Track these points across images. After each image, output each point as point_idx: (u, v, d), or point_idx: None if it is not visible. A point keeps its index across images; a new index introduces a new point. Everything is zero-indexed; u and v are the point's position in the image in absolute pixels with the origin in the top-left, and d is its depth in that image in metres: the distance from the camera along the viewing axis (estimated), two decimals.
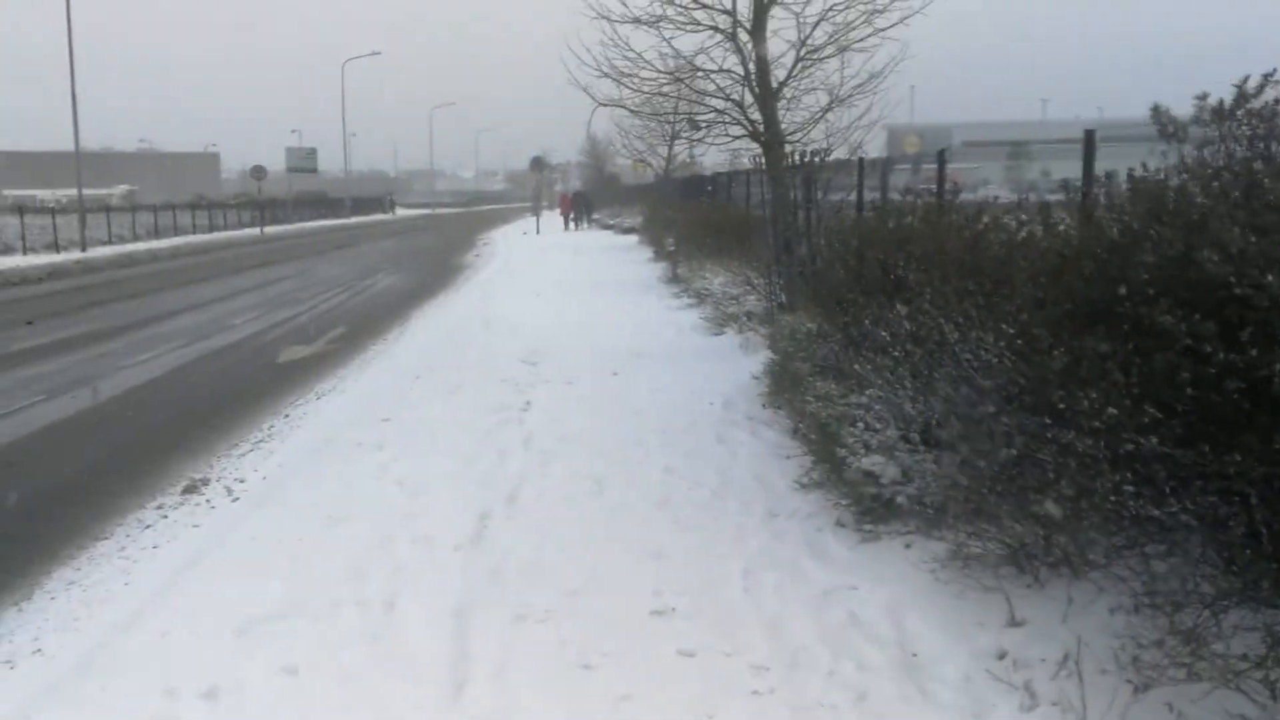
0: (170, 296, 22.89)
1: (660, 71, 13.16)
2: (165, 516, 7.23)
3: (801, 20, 12.03)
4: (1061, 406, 4.46)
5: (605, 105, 14.53)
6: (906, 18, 11.54)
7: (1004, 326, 5.19)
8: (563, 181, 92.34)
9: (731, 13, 12.22)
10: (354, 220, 74.23)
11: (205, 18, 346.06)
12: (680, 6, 12.23)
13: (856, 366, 7.05)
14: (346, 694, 4.50)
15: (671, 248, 23.52)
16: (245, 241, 47.66)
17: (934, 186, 9.18)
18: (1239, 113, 4.84)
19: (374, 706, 4.40)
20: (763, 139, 12.57)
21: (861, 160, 12.39)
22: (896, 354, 6.50)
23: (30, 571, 6.35)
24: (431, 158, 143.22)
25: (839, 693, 4.34)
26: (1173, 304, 4.02)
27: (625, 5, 12.38)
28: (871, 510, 6.04)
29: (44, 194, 64.36)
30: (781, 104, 12.52)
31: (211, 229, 52.34)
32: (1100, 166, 6.63)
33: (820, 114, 12.48)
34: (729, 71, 12.55)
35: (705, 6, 12.21)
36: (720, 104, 12.86)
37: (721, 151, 17.18)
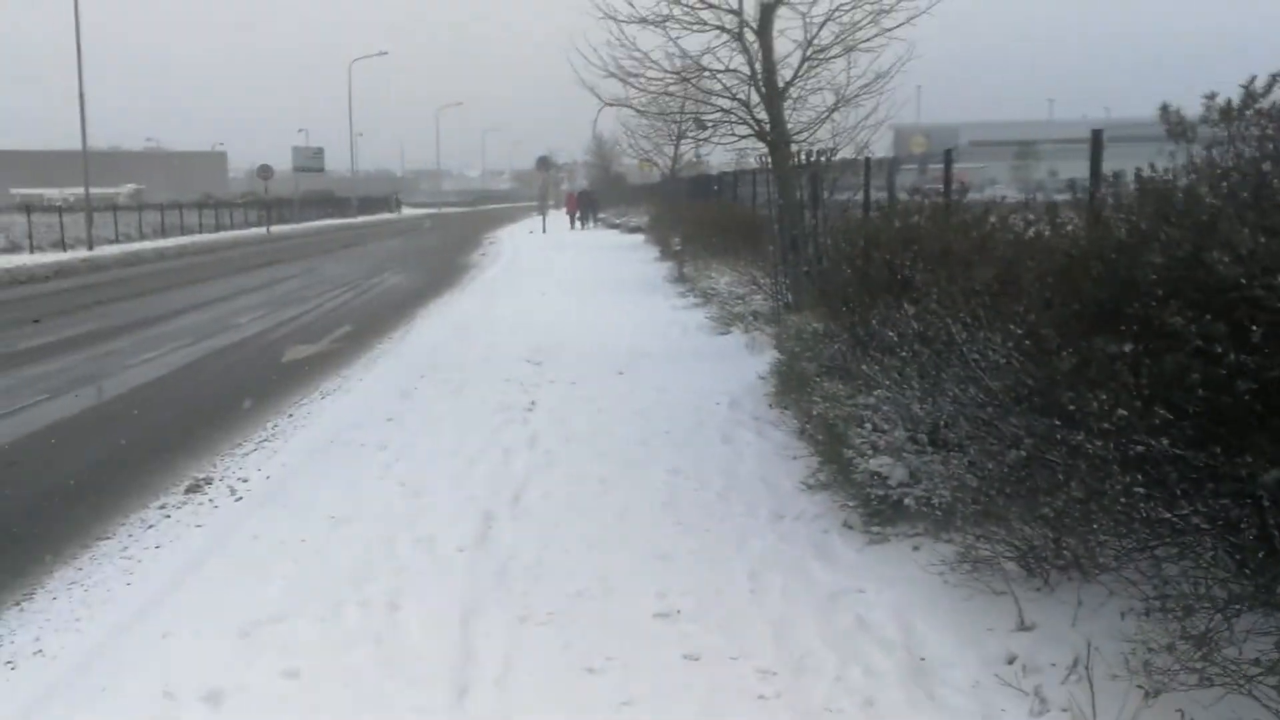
0: (176, 295, 22.90)
1: (666, 71, 13.14)
2: (168, 516, 7.20)
3: (808, 20, 12.00)
4: (1071, 408, 4.41)
5: (611, 105, 14.54)
6: (913, 18, 11.51)
7: (1012, 327, 5.14)
8: (569, 181, 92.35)
9: (738, 12, 12.18)
10: (360, 220, 74.28)
11: (212, 17, 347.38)
12: (686, 6, 12.19)
13: (864, 367, 7.01)
14: (349, 697, 4.47)
15: (677, 247, 23.50)
16: (251, 241, 47.71)
17: (941, 186, 9.14)
18: (1248, 112, 4.79)
19: (376, 709, 4.37)
20: (769, 139, 12.53)
21: (868, 160, 12.34)
22: (904, 354, 6.46)
23: (32, 571, 6.32)
24: (438, 157, 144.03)
25: (846, 698, 4.30)
26: (1183, 305, 3.98)
27: (632, 5, 12.34)
28: (879, 512, 6.01)
29: (51, 193, 64.52)
30: (788, 104, 12.48)
31: (218, 228, 52.39)
32: (1107, 167, 6.59)
33: (827, 114, 12.46)
34: (735, 71, 12.52)
35: (712, 6, 12.17)
36: (726, 103, 12.83)
37: (728, 151, 17.18)
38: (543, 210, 51.30)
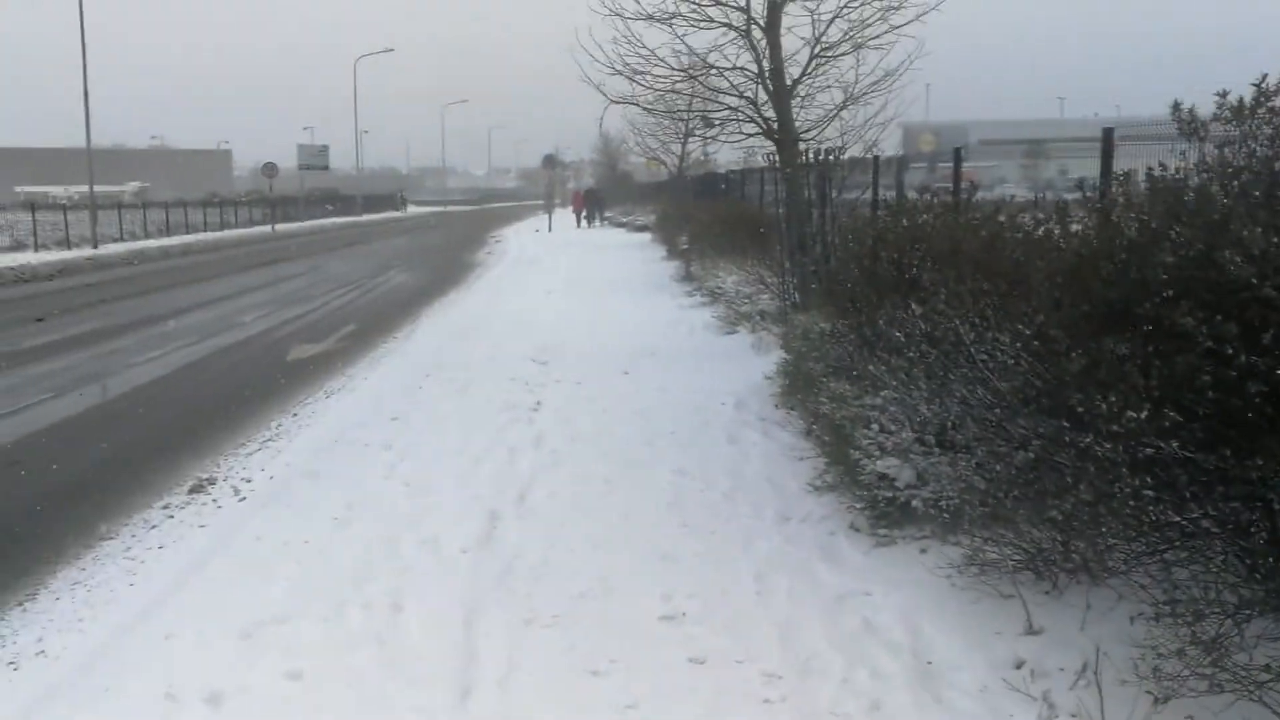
0: (181, 293, 22.91)
1: (673, 69, 13.11)
2: (171, 516, 7.18)
3: (816, 17, 11.98)
4: (1080, 409, 4.38)
5: (618, 103, 14.48)
6: (922, 14, 11.48)
7: (1020, 327, 5.10)
8: (575, 179, 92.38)
9: (745, 9, 12.15)
10: (366, 218, 74.28)
11: (217, 15, 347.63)
12: (694, 3, 12.18)
13: (871, 367, 6.96)
14: (351, 698, 4.44)
15: (684, 246, 23.46)
16: (257, 239, 47.76)
17: (950, 185, 9.10)
18: (1260, 111, 4.74)
19: (379, 711, 4.35)
20: (777, 137, 12.49)
21: (876, 158, 12.30)
22: (911, 355, 6.41)
23: (35, 571, 6.30)
24: (444, 155, 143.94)
25: (852, 701, 4.26)
26: (1193, 305, 3.94)
27: (638, 2, 12.33)
28: (886, 514, 5.96)
29: (56, 190, 64.55)
30: (796, 101, 12.45)
31: (223, 226, 52.45)
32: (1117, 165, 6.55)
33: (835, 112, 12.43)
34: (743, 69, 12.50)
35: (720, 3, 12.15)
36: (734, 101, 12.79)
37: (735, 149, 17.21)
38: (549, 209, 51.26)
